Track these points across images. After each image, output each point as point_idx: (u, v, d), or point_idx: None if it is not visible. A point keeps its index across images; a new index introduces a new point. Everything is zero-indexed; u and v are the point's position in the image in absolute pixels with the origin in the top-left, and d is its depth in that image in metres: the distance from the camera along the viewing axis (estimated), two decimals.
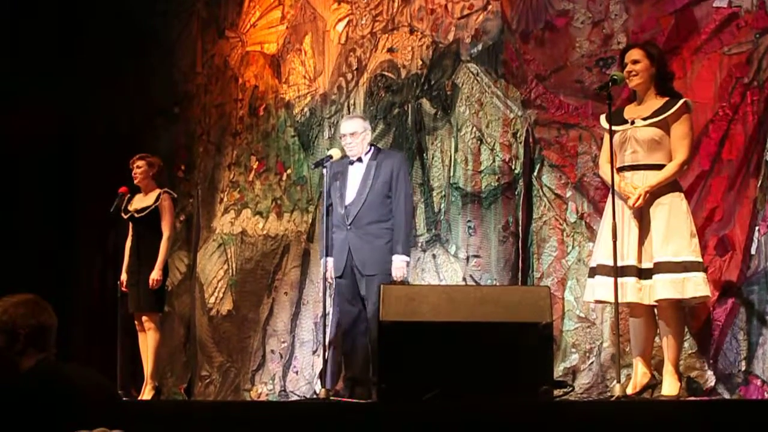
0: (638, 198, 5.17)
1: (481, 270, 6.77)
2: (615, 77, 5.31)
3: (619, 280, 5.08)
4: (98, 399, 3.27)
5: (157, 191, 7.50)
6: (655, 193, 5.18)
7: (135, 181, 7.56)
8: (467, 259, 6.86)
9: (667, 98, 5.31)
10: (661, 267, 5.10)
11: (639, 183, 5.22)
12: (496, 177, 6.77)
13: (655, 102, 5.33)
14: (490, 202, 6.78)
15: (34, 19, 9.50)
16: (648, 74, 5.35)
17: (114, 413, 3.28)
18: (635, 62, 5.35)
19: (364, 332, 6.29)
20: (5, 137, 9.16)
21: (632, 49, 5.45)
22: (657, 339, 5.38)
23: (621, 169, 5.30)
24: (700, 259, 5.18)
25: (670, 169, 5.21)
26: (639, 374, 5.30)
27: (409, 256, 6.37)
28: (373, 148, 6.52)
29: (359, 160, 6.43)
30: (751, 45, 5.63)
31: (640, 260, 5.16)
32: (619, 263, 5.10)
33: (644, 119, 5.28)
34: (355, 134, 6.42)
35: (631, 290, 5.14)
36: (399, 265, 6.22)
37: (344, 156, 6.46)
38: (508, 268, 6.61)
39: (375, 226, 6.31)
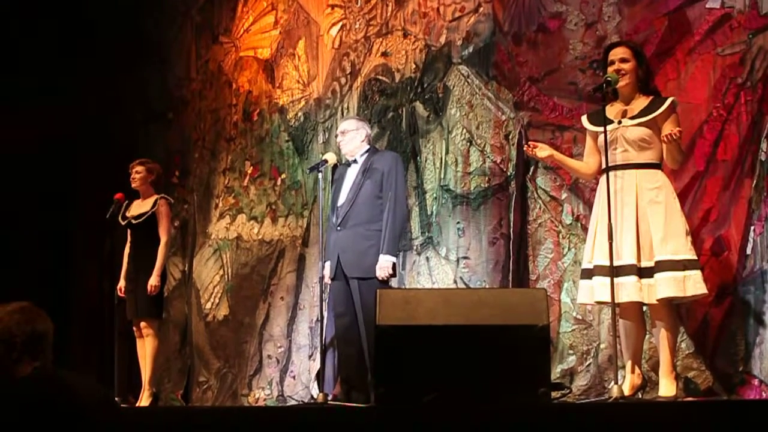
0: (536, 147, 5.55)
1: (469, 271, 6.75)
2: (609, 79, 5.29)
3: (619, 279, 5.07)
4: (96, 406, 3.26)
5: (155, 197, 7.51)
6: (650, 192, 5.19)
7: (132, 185, 7.57)
8: (458, 260, 6.85)
9: (651, 97, 5.33)
10: (663, 265, 5.08)
11: (631, 182, 5.21)
12: (486, 178, 6.76)
13: (640, 101, 5.33)
14: (479, 204, 6.76)
15: (32, 29, 9.51)
16: (635, 74, 5.35)
17: (112, 420, 3.28)
18: (624, 60, 5.34)
19: (358, 336, 6.22)
20: (2, 144, 9.17)
21: (618, 47, 5.43)
22: (653, 340, 5.38)
23: (612, 168, 5.28)
24: (696, 257, 5.18)
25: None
26: (634, 375, 5.30)
27: (395, 256, 6.22)
28: (370, 148, 6.48)
29: (355, 161, 6.42)
30: (744, 45, 5.63)
31: (639, 259, 5.15)
32: (617, 263, 5.09)
33: (632, 118, 5.28)
34: (344, 132, 6.43)
35: (633, 289, 5.13)
36: (383, 265, 6.11)
37: (339, 160, 6.46)
38: (498, 269, 6.59)
39: (363, 228, 6.23)
